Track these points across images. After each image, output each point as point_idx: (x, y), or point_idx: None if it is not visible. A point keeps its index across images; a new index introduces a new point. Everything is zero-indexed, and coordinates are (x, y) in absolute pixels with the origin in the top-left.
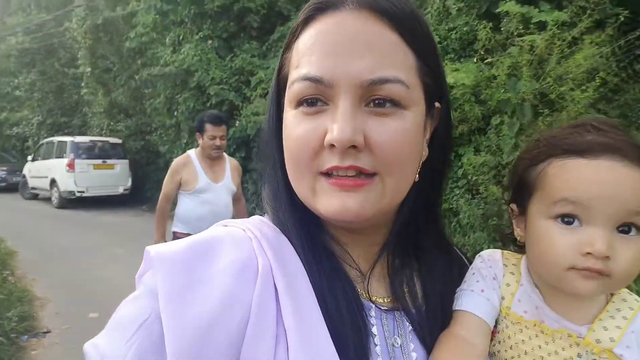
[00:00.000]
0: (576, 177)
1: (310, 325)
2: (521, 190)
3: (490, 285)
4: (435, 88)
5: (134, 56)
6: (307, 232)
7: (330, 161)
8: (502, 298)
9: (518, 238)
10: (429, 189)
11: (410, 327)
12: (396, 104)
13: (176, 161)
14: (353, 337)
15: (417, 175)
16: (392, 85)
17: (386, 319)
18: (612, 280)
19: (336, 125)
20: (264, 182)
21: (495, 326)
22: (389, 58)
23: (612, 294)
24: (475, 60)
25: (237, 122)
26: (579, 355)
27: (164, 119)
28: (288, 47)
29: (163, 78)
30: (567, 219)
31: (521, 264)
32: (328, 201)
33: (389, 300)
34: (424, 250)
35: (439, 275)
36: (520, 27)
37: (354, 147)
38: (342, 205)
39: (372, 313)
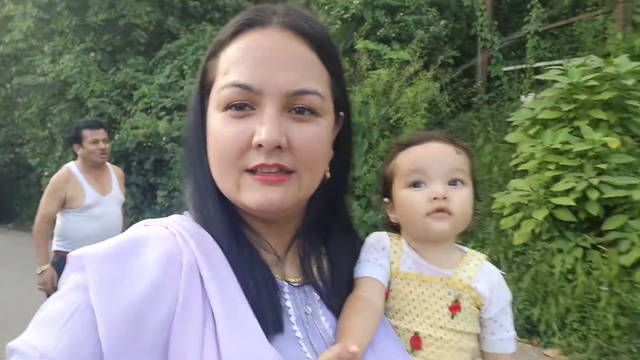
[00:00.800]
0: (414, 155)
1: (234, 303)
2: (386, 184)
3: (381, 254)
4: (341, 100)
5: (9, 62)
6: (230, 224)
7: (257, 159)
8: (392, 263)
9: (394, 221)
10: (336, 185)
11: (319, 297)
12: (313, 112)
13: (56, 178)
14: (270, 312)
15: (328, 174)
16: (311, 96)
17: (298, 293)
18: (455, 218)
19: (264, 128)
20: (187, 181)
21: (388, 287)
22: (309, 73)
23: (465, 252)
24: None
25: (117, 135)
26: (449, 293)
27: (36, 131)
28: (214, 55)
29: (37, 88)
30: (417, 184)
31: (401, 238)
32: (253, 194)
33: (300, 279)
34: (332, 235)
35: (345, 254)
36: (369, 63)
37: (278, 147)
38: (266, 198)
39: (286, 290)
